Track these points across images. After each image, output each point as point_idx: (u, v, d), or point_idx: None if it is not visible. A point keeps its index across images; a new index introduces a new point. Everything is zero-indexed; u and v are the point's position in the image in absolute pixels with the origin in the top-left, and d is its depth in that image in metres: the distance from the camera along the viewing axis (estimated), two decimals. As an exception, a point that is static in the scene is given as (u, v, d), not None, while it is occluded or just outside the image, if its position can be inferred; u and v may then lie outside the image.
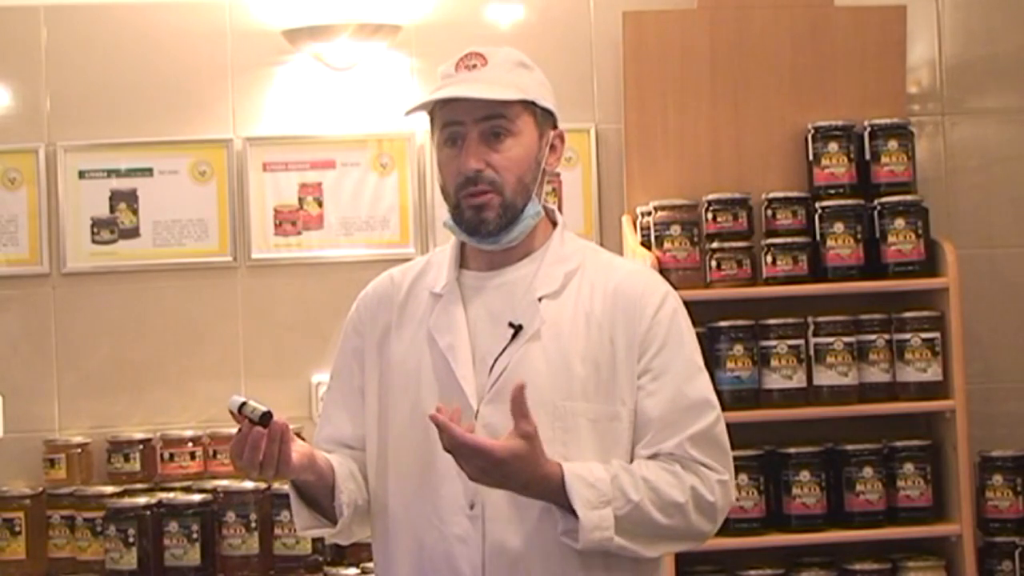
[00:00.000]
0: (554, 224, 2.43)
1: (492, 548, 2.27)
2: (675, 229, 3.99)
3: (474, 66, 2.34)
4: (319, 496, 2.35)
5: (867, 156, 4.10)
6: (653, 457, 2.30)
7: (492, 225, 2.32)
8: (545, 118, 2.38)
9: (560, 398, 2.28)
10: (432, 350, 2.34)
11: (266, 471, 2.21)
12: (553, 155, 2.40)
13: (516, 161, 2.33)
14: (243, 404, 2.20)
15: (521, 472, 2.17)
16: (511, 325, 2.30)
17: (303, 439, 2.39)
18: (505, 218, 2.32)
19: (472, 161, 2.31)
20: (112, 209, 4.23)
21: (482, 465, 2.15)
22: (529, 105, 2.34)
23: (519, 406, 2.15)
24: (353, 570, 3.84)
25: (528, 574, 2.26)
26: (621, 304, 2.34)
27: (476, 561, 2.27)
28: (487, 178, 2.31)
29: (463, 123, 2.32)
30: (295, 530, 3.78)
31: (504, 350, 2.29)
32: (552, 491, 2.20)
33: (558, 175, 4.24)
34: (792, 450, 3.95)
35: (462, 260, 2.41)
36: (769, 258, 4.00)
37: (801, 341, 3.95)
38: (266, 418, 2.18)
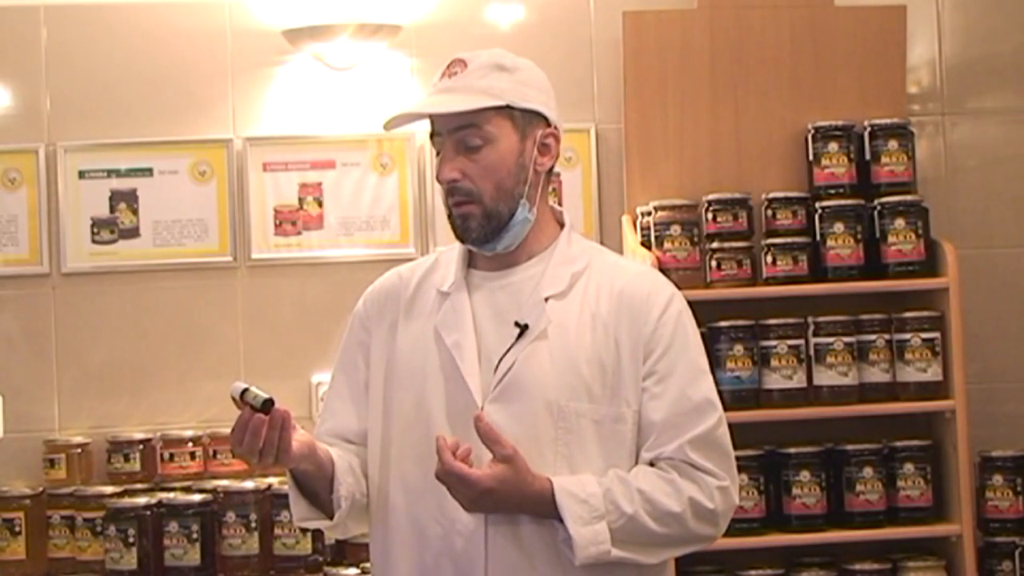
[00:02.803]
0: (561, 225, 2.43)
1: (496, 543, 2.27)
2: (675, 229, 3.99)
3: (455, 73, 2.34)
4: (317, 488, 2.35)
5: (867, 156, 4.10)
6: (654, 461, 2.30)
7: (475, 233, 2.33)
8: (529, 119, 2.35)
9: (565, 399, 2.28)
10: (439, 347, 2.35)
11: (265, 458, 2.21)
12: (545, 155, 2.37)
13: (492, 168, 2.31)
14: (245, 390, 2.20)
15: (511, 496, 2.21)
16: (517, 324, 2.30)
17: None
18: (489, 226, 2.32)
19: (446, 171, 2.32)
20: (112, 209, 4.22)
21: (470, 495, 2.19)
22: (504, 109, 2.32)
23: (488, 434, 2.20)
24: (353, 570, 3.84)
25: (532, 569, 2.27)
26: (627, 305, 2.34)
27: (479, 556, 2.27)
28: (463, 189, 2.31)
29: (441, 133, 2.34)
30: (295, 529, 3.82)
31: (510, 349, 2.29)
32: (545, 507, 2.23)
33: (558, 175, 4.24)
34: (792, 450, 3.95)
35: (471, 259, 2.41)
36: (769, 258, 4.00)
37: (801, 341, 3.95)
38: (268, 405, 2.18)
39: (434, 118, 2.33)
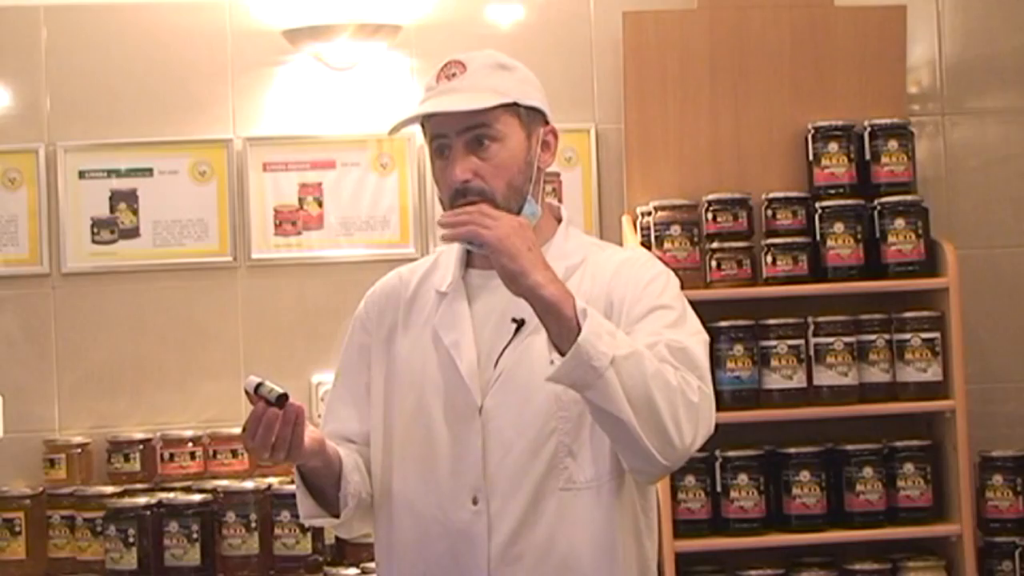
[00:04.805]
0: (559, 220, 2.43)
1: (496, 542, 2.27)
2: (675, 229, 3.99)
3: (453, 75, 2.32)
4: (324, 485, 2.35)
5: (867, 156, 4.10)
6: None
7: None
8: (532, 117, 2.35)
9: (563, 388, 2.24)
10: (437, 347, 2.35)
11: (277, 453, 2.21)
12: (547, 152, 2.38)
13: (503, 166, 2.31)
14: (259, 384, 2.20)
15: (533, 246, 2.15)
16: (514, 320, 2.30)
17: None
18: None
19: (458, 172, 2.29)
20: (112, 209, 4.22)
21: (505, 223, 2.14)
22: (511, 107, 2.32)
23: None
24: (353, 570, 3.84)
25: (532, 569, 2.27)
26: (620, 273, 2.33)
27: (480, 555, 2.27)
28: (475, 188, 2.29)
29: (447, 135, 2.31)
30: (295, 529, 3.82)
31: (507, 345, 2.30)
32: (562, 290, 2.12)
33: (558, 175, 4.24)
34: (792, 450, 3.95)
35: (468, 259, 2.41)
36: (769, 258, 4.00)
37: (801, 341, 3.95)
38: (282, 400, 2.19)
39: (439, 120, 2.32)
